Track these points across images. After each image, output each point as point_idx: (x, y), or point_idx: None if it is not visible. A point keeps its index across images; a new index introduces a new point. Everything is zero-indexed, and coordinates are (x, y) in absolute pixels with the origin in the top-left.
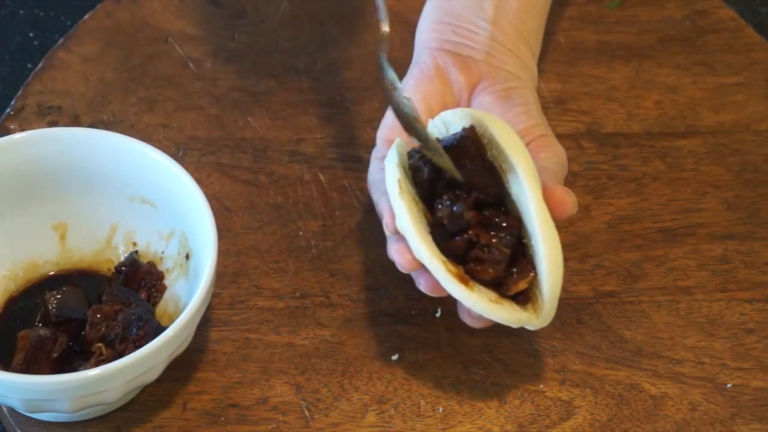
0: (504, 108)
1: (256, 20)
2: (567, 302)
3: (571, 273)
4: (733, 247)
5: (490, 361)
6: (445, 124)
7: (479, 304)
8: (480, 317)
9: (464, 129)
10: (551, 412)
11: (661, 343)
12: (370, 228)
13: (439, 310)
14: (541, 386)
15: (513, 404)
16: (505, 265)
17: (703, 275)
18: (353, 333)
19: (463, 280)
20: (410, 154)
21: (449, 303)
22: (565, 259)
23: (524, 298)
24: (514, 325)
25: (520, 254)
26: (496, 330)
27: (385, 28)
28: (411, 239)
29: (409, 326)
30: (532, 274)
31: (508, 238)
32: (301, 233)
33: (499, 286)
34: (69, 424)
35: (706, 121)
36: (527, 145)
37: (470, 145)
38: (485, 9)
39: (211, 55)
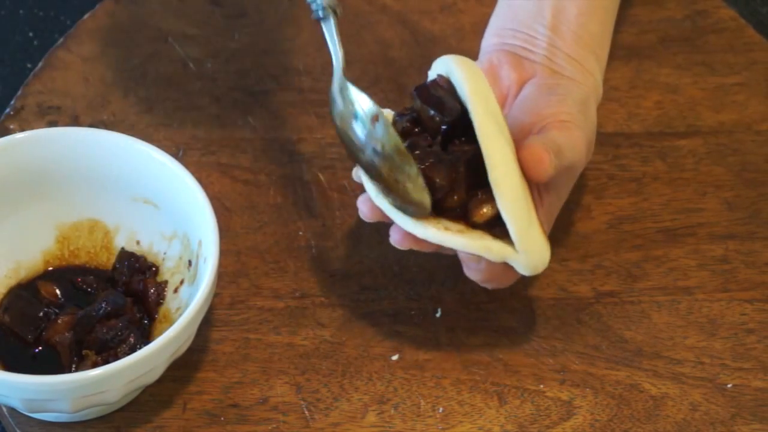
0: (542, 95)
1: (256, 20)
2: (567, 302)
3: (571, 273)
4: (733, 247)
5: (490, 361)
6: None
7: (428, 231)
8: (478, 265)
9: (438, 75)
10: (551, 412)
11: (662, 343)
12: (370, 228)
13: (439, 310)
14: (541, 386)
15: (513, 404)
16: (464, 188)
17: (704, 275)
18: (353, 333)
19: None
20: (394, 115)
21: (449, 303)
22: (565, 259)
23: (503, 230)
24: (490, 256)
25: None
26: (496, 330)
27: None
28: (362, 176)
29: (409, 326)
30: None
31: (457, 159)
32: (301, 233)
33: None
34: (69, 424)
35: (707, 121)
36: (544, 126)
37: (436, 86)
38: (545, 15)
39: (211, 55)
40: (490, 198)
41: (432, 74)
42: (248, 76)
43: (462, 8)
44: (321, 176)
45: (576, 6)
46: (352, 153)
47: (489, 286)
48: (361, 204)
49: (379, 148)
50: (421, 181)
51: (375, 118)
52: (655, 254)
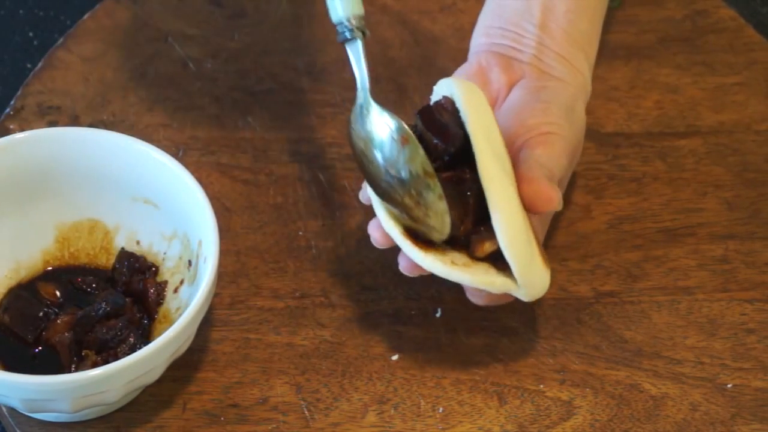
0: (527, 103)
1: (256, 20)
2: (567, 302)
3: (571, 273)
4: (733, 247)
5: (490, 361)
6: (438, 96)
7: (435, 265)
8: (480, 293)
9: (443, 96)
10: (551, 412)
11: (662, 343)
12: None
13: (439, 310)
14: (541, 386)
15: (513, 404)
16: (471, 220)
17: (704, 275)
18: (353, 333)
19: (419, 243)
20: None
21: (449, 303)
22: (565, 259)
23: (504, 263)
24: (493, 290)
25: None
26: (496, 330)
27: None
28: (373, 199)
29: (409, 326)
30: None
31: (467, 191)
32: (301, 233)
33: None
34: (69, 424)
35: (707, 121)
36: (528, 139)
37: (441, 110)
38: (534, 13)
39: (211, 55)
40: (491, 235)
41: (437, 93)
42: (248, 76)
43: (462, 8)
44: (321, 176)
45: (565, 4)
46: (369, 176)
47: (490, 306)
48: (373, 230)
49: (400, 172)
50: (442, 205)
51: (405, 140)
52: (655, 254)
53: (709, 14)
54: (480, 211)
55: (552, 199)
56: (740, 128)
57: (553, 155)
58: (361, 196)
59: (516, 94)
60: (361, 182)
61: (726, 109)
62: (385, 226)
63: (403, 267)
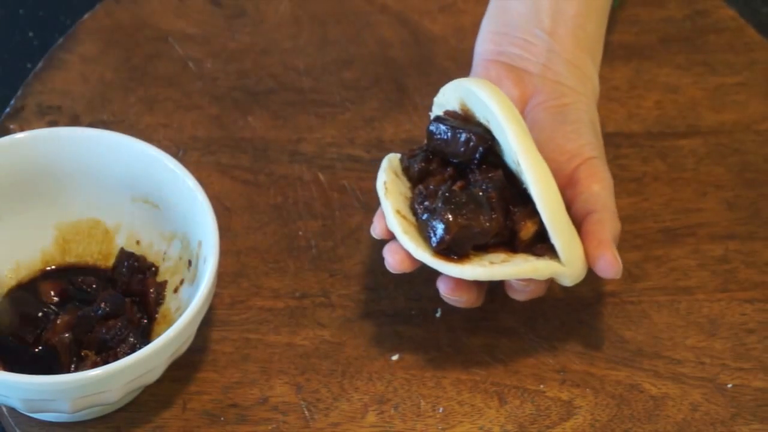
0: (555, 126)
1: (256, 20)
2: (567, 302)
3: None
4: (733, 247)
5: (490, 361)
6: (441, 107)
7: (476, 271)
8: (524, 287)
9: (445, 111)
10: (551, 412)
11: (662, 343)
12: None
13: (439, 310)
14: (542, 386)
15: (513, 404)
16: (501, 213)
17: (704, 275)
18: (353, 333)
19: (453, 259)
20: (401, 159)
21: (449, 303)
22: None
23: (543, 248)
24: (537, 276)
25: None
26: (496, 330)
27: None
28: (396, 232)
29: (409, 326)
30: (536, 215)
31: (488, 192)
32: (301, 233)
33: (512, 241)
34: (69, 424)
35: (707, 121)
36: (576, 168)
37: (452, 116)
38: (542, 19)
39: (211, 55)
40: (528, 213)
41: (441, 99)
42: (248, 76)
43: (462, 8)
44: (321, 176)
45: (573, 7)
46: None
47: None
48: (388, 254)
49: None
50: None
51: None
52: (655, 254)
53: (710, 14)
54: (507, 200)
55: (614, 268)
56: (740, 128)
57: (607, 185)
58: (373, 231)
59: (537, 116)
60: (361, 182)
61: (726, 109)
62: (415, 254)
63: (445, 289)
